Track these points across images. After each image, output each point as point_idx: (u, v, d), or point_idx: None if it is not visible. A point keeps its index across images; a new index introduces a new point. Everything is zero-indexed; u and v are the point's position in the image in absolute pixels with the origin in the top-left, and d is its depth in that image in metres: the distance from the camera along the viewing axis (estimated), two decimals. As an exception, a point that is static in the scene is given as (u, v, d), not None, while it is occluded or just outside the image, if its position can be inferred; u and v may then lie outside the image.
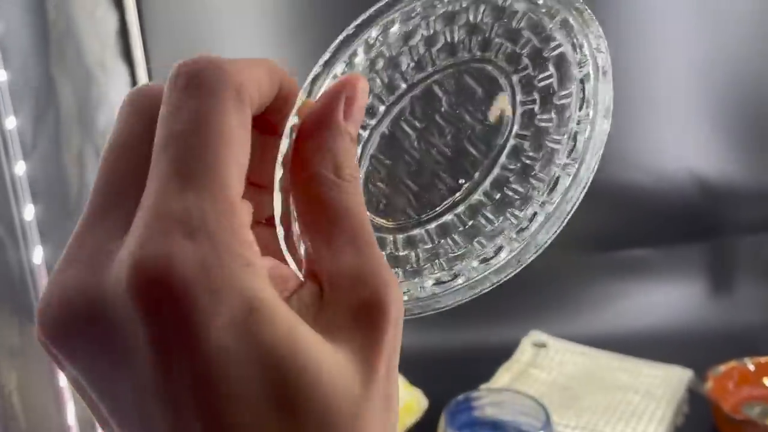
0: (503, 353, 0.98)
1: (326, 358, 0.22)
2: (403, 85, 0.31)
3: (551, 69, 0.31)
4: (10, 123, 0.76)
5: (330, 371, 0.22)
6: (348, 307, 0.24)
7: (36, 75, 0.83)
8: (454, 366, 0.95)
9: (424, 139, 0.31)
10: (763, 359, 0.88)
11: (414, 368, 0.95)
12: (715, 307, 1.06)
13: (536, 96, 0.31)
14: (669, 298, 1.07)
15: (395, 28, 0.28)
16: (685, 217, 1.09)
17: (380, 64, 0.30)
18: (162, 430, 0.22)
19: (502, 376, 0.94)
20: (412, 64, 0.30)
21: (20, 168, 0.76)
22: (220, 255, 0.22)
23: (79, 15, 0.91)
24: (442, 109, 0.31)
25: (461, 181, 0.32)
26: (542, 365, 0.96)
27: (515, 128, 0.31)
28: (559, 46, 0.30)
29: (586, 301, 1.07)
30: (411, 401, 0.89)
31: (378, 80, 0.30)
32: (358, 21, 0.27)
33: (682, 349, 0.97)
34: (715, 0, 1.04)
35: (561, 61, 0.31)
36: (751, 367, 0.88)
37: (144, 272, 0.21)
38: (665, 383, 0.90)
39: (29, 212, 0.77)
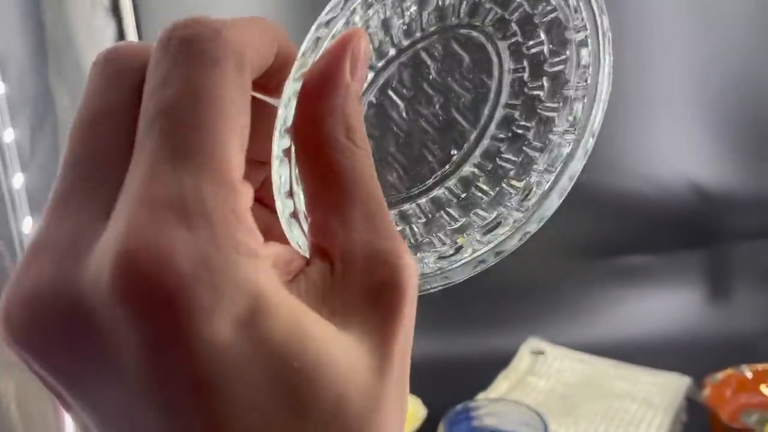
0: (502, 360, 0.98)
1: (338, 350, 0.20)
2: (392, 51, 0.29)
3: (542, 35, 0.29)
4: (8, 136, 0.76)
5: (342, 364, 0.20)
6: (362, 286, 0.22)
7: (34, 86, 0.83)
8: (452, 374, 0.95)
9: (413, 108, 0.30)
10: (760, 366, 0.88)
11: (412, 376, 0.95)
12: (713, 313, 1.06)
13: (526, 63, 0.30)
14: (667, 304, 1.07)
15: None
16: (682, 224, 1.09)
17: (374, 24, 0.28)
18: None
19: (501, 384, 0.94)
20: (403, 28, 0.29)
21: (18, 180, 0.77)
22: (221, 245, 0.19)
23: (77, 24, 0.91)
24: (431, 77, 0.30)
25: (452, 152, 0.31)
26: (540, 373, 0.96)
27: (503, 97, 0.30)
28: (553, 10, 0.29)
29: (584, 307, 1.08)
30: (409, 410, 0.89)
31: (369, 43, 0.28)
32: None
33: (680, 356, 0.97)
34: (712, 6, 1.04)
35: (554, 27, 0.29)
36: (749, 375, 0.88)
37: (132, 265, 0.18)
38: (663, 391, 0.90)
39: (27, 225, 0.77)
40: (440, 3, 0.29)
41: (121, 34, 1.00)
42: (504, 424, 0.76)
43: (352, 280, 0.22)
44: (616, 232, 1.10)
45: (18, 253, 0.75)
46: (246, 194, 0.21)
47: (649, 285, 1.08)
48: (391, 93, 0.30)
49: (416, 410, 0.89)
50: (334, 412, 0.20)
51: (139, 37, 1.01)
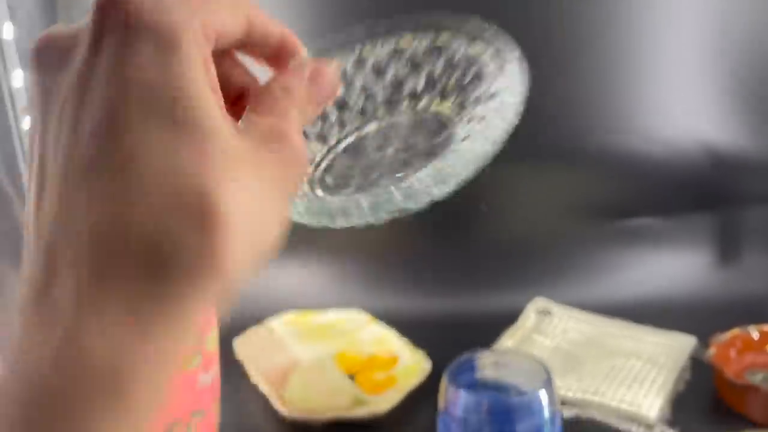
0: (507, 319, 0.98)
1: (221, 116, 0.26)
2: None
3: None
4: (18, 80, 0.76)
5: (219, 119, 0.26)
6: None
7: (43, 28, 0.83)
8: (458, 331, 0.95)
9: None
10: (767, 327, 0.88)
11: (418, 332, 0.95)
12: (722, 275, 1.05)
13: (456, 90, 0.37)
14: (676, 266, 1.07)
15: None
16: (693, 186, 1.08)
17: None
18: (72, 118, 0.26)
19: (506, 342, 0.94)
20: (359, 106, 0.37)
21: (27, 124, 0.77)
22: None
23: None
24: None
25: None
26: (546, 332, 0.96)
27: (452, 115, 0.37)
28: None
29: (592, 268, 1.07)
30: (414, 363, 0.89)
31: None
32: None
33: (688, 318, 0.97)
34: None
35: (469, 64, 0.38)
36: (755, 335, 0.88)
37: None
38: (668, 350, 0.90)
39: (36, 168, 0.77)
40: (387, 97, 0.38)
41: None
42: (506, 375, 0.76)
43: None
44: (625, 194, 1.09)
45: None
46: (211, 63, 0.27)
47: (658, 247, 1.08)
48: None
49: (421, 363, 0.89)
50: (201, 140, 0.25)
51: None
